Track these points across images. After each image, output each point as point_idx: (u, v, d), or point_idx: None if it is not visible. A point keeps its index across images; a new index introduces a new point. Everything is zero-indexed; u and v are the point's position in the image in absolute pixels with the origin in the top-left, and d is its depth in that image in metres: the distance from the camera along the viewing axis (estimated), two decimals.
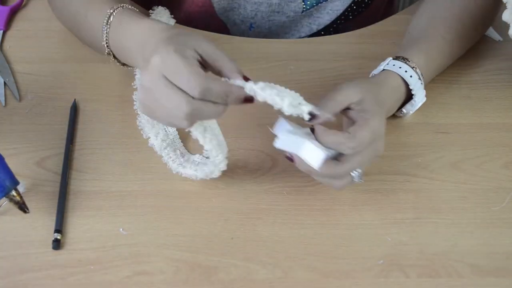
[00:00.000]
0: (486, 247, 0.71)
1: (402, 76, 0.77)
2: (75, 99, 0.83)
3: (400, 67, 0.77)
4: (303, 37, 0.99)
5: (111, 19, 0.76)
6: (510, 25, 0.75)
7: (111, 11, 0.76)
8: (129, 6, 0.77)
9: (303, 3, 0.93)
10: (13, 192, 0.70)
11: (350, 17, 0.99)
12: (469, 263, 0.70)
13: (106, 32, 0.76)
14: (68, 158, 0.77)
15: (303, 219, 0.73)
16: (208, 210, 0.74)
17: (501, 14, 0.76)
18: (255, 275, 0.69)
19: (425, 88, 0.81)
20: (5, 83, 0.85)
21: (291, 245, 0.71)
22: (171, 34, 0.68)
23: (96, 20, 0.78)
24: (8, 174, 0.69)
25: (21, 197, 0.70)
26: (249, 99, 0.67)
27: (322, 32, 0.99)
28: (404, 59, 0.78)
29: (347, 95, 0.70)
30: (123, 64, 0.80)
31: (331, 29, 0.99)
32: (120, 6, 0.76)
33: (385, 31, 0.94)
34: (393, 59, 0.78)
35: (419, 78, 0.77)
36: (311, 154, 0.67)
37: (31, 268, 0.69)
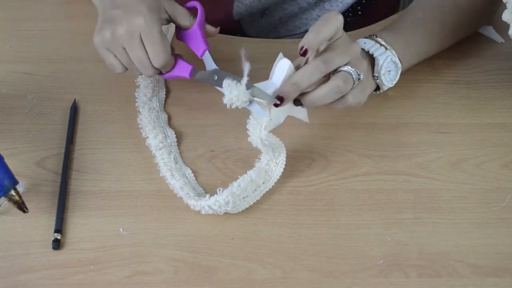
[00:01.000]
0: (486, 247, 0.71)
1: (361, 46, 0.77)
2: (75, 99, 0.83)
3: (358, 41, 0.78)
4: None
5: None
6: (510, 25, 0.75)
7: None
8: None
9: None
10: (12, 192, 0.70)
11: (359, 12, 0.99)
12: (469, 263, 0.70)
13: None
14: (68, 158, 0.77)
15: (303, 219, 0.73)
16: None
17: (501, 14, 0.76)
18: (255, 275, 0.69)
19: (408, 68, 0.81)
20: None
21: (291, 245, 0.71)
22: None
23: None
24: (7, 174, 0.69)
25: (20, 196, 0.70)
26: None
27: None
28: (366, 36, 0.79)
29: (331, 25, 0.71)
30: None
31: None
32: None
33: None
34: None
35: (377, 43, 0.77)
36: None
37: (31, 268, 0.69)
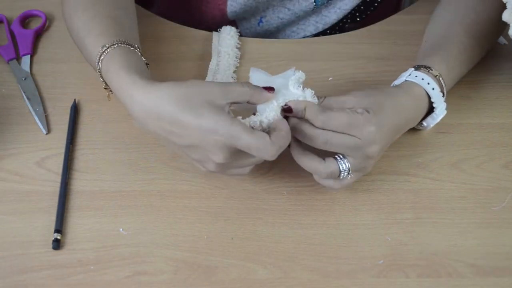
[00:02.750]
0: (486, 247, 0.71)
1: (424, 88, 0.75)
2: (75, 99, 0.83)
3: (422, 79, 0.75)
4: (307, 37, 0.99)
5: (101, 62, 0.73)
6: (510, 25, 0.75)
7: (101, 51, 0.72)
8: (122, 45, 0.73)
9: (314, 3, 0.93)
10: None
11: (358, 19, 0.99)
12: (469, 263, 0.70)
13: (99, 70, 0.73)
14: (68, 158, 0.77)
15: (303, 219, 0.73)
16: (208, 210, 0.74)
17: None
18: (255, 275, 0.69)
19: None
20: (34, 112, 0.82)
21: (291, 245, 0.71)
22: (188, 100, 0.65)
23: (92, 51, 0.75)
24: None
25: None
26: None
27: (328, 31, 0.99)
28: (427, 68, 0.76)
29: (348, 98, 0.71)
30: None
31: (337, 28, 0.99)
32: (112, 46, 0.72)
33: (385, 31, 0.93)
34: (415, 69, 0.76)
35: (441, 91, 0.76)
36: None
37: (31, 268, 0.69)
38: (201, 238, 0.71)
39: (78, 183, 0.76)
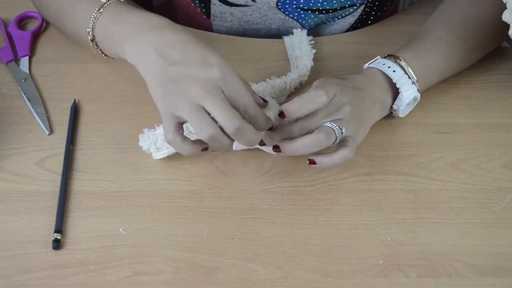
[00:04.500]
0: (486, 247, 0.71)
1: (383, 71, 0.77)
2: (75, 99, 0.83)
3: (383, 64, 0.78)
4: None
5: (105, 6, 0.76)
6: (510, 25, 0.75)
7: (101, 4, 0.76)
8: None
9: (301, 27, 0.93)
10: None
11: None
12: (469, 263, 0.70)
13: (94, 18, 0.76)
14: (68, 158, 0.77)
15: (303, 219, 0.73)
16: (208, 210, 0.74)
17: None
18: (255, 275, 0.69)
19: (425, 89, 0.81)
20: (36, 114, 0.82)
21: (291, 245, 0.71)
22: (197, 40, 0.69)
23: (85, 10, 0.77)
24: None
25: None
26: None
27: None
28: (390, 56, 0.79)
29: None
30: (105, 55, 0.80)
31: None
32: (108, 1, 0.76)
33: (385, 31, 0.94)
34: (381, 58, 0.79)
35: (406, 73, 0.77)
36: None
37: (31, 268, 0.69)
38: (201, 238, 0.71)
39: (78, 183, 0.76)
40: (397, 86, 0.77)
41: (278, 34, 0.94)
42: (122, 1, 0.77)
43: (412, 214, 0.74)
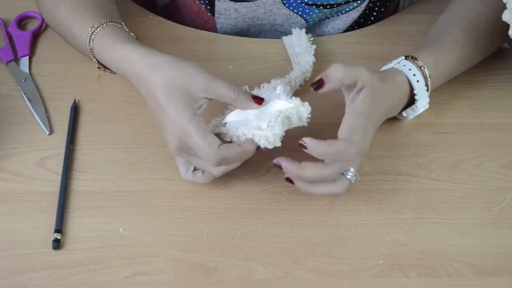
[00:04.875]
0: (486, 247, 0.71)
1: (408, 78, 0.76)
2: (75, 99, 0.83)
3: (410, 69, 0.77)
4: None
5: (92, 42, 0.77)
6: (510, 25, 0.75)
7: (91, 31, 0.77)
8: (110, 23, 0.77)
9: (305, 22, 0.93)
10: None
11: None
12: (469, 263, 0.70)
13: (90, 49, 0.77)
14: (68, 158, 0.77)
15: (303, 219, 0.73)
16: (208, 210, 0.74)
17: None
18: (255, 275, 0.69)
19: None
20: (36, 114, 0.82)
21: (291, 245, 0.71)
22: (169, 81, 0.69)
23: (80, 35, 0.79)
24: None
25: None
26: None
27: None
28: (413, 58, 0.78)
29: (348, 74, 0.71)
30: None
31: None
32: (101, 25, 0.77)
33: (385, 31, 0.94)
34: (405, 58, 0.78)
35: (425, 85, 0.77)
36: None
37: (31, 268, 0.69)
38: (201, 238, 0.71)
39: (78, 183, 0.76)
40: (416, 98, 0.77)
41: (282, 30, 0.94)
42: (104, 30, 0.77)
43: (412, 214, 0.74)
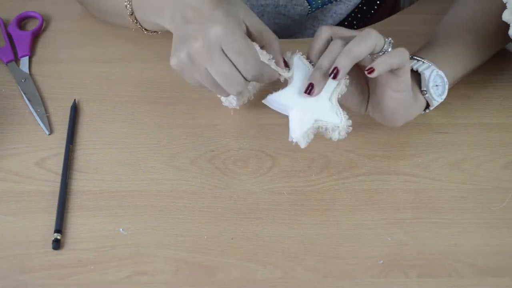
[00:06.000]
0: (486, 247, 0.71)
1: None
2: (75, 99, 0.83)
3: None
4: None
5: None
6: (510, 25, 0.75)
7: None
8: None
9: (308, 6, 0.93)
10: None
11: (355, 27, 0.99)
12: (469, 263, 0.70)
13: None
14: (68, 158, 0.77)
15: (303, 219, 0.73)
16: (208, 210, 0.74)
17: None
18: (255, 275, 0.69)
19: (453, 81, 0.80)
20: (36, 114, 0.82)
21: (291, 245, 0.71)
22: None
23: None
24: None
25: None
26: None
27: None
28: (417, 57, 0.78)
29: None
30: (146, 30, 0.81)
31: None
32: None
33: (385, 31, 0.92)
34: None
35: (418, 60, 0.76)
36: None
37: (31, 268, 0.69)
38: (201, 238, 0.71)
39: (78, 183, 0.76)
40: (414, 69, 0.75)
41: (285, 13, 0.94)
42: None
43: (412, 214, 0.74)
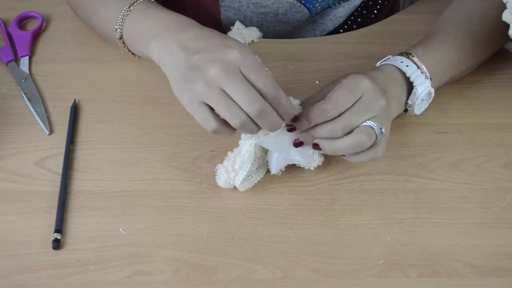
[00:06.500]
0: (486, 247, 0.71)
1: (398, 66, 0.77)
2: (75, 99, 0.83)
3: (396, 59, 0.78)
4: None
5: (134, 5, 0.76)
6: (510, 25, 0.75)
7: (127, 8, 0.77)
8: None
9: (308, 12, 0.93)
10: None
11: (355, 27, 0.99)
12: (469, 263, 0.70)
13: (123, 16, 0.77)
14: (68, 158, 0.77)
15: (303, 219, 0.73)
16: (208, 210, 0.74)
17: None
18: (255, 275, 0.69)
19: (439, 86, 0.81)
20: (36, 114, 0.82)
21: (291, 245, 0.71)
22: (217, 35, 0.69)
23: (115, 8, 0.78)
24: None
25: None
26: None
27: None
28: (401, 53, 0.78)
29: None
30: (133, 54, 0.80)
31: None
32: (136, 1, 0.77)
33: (385, 31, 0.94)
34: (393, 56, 0.79)
35: (418, 68, 0.77)
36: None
37: (31, 268, 0.69)
38: (201, 238, 0.71)
39: (78, 183, 0.76)
40: (411, 80, 0.76)
41: (284, 20, 0.94)
42: (152, 1, 0.78)
43: (412, 214, 0.74)
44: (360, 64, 0.88)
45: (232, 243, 0.71)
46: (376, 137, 0.71)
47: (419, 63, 0.77)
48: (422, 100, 0.78)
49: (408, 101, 0.78)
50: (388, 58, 0.79)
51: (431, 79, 0.78)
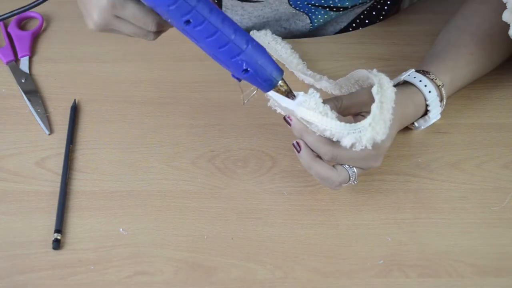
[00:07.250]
0: (486, 247, 0.71)
1: (421, 90, 0.76)
2: (75, 99, 0.83)
3: (420, 81, 0.76)
4: None
5: None
6: (510, 25, 0.75)
7: None
8: None
9: (310, 24, 0.93)
10: (280, 82, 0.67)
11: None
12: (469, 263, 0.70)
13: None
14: (68, 158, 0.77)
15: (303, 219, 0.73)
16: (208, 210, 0.74)
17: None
18: (255, 275, 0.69)
19: None
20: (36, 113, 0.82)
21: (291, 245, 0.71)
22: None
23: None
24: (274, 65, 0.65)
25: (287, 85, 0.67)
26: None
27: None
28: (429, 73, 0.77)
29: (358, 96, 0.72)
30: None
31: None
32: None
33: (385, 31, 0.94)
34: (416, 71, 0.77)
35: (438, 95, 0.76)
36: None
37: (31, 268, 0.69)
38: (201, 238, 0.71)
39: (78, 183, 0.76)
40: (429, 108, 0.77)
41: (286, 26, 0.94)
42: None
43: (412, 214, 0.74)
44: (360, 64, 0.88)
45: (232, 243, 0.71)
46: (348, 181, 0.70)
47: (444, 97, 0.77)
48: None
49: (415, 123, 0.79)
50: (411, 72, 0.77)
51: (441, 101, 0.78)
